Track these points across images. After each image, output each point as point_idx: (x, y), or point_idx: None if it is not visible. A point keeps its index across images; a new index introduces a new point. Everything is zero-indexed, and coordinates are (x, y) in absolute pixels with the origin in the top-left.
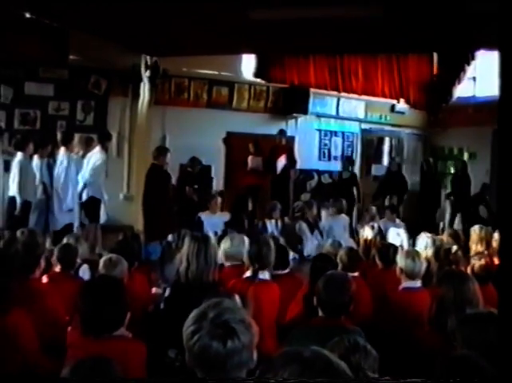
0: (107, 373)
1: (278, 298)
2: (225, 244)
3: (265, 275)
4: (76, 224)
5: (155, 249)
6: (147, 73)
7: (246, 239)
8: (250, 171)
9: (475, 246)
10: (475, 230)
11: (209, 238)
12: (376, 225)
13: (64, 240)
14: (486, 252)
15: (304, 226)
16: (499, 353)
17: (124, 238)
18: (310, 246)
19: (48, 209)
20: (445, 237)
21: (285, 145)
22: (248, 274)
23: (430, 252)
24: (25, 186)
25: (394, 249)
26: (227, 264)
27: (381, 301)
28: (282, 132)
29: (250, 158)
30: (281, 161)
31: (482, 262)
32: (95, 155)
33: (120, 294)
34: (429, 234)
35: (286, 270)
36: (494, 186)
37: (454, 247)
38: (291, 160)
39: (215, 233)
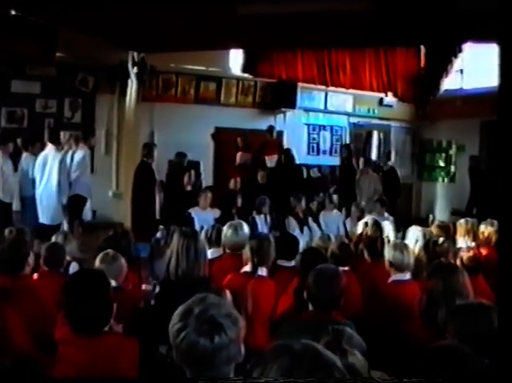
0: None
1: (274, 294)
2: (228, 231)
3: (263, 271)
4: (64, 222)
5: (145, 246)
6: (135, 70)
7: (247, 228)
8: (238, 167)
9: (462, 239)
10: (461, 224)
11: (197, 234)
12: (369, 220)
13: (53, 238)
14: (473, 244)
15: (293, 222)
16: (498, 347)
17: (112, 234)
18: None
19: (36, 206)
20: (434, 229)
21: (275, 141)
22: (247, 268)
23: (420, 245)
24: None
25: (381, 242)
26: (227, 251)
27: (371, 294)
28: (272, 129)
29: (238, 154)
30: (272, 157)
31: (471, 253)
32: (78, 152)
33: (103, 288)
34: (419, 227)
35: (291, 263)
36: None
37: (441, 239)
38: (288, 157)
39: (201, 228)
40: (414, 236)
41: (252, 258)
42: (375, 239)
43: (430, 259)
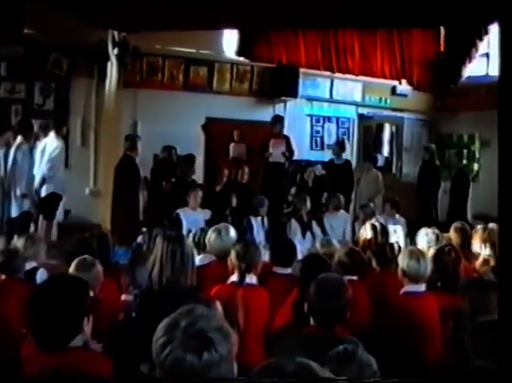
0: None
1: (267, 305)
2: (211, 236)
3: (252, 279)
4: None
5: (127, 251)
6: (115, 51)
7: (234, 232)
8: (232, 161)
9: (478, 249)
10: (477, 231)
11: (183, 237)
12: (377, 223)
13: (16, 241)
14: (490, 254)
15: (296, 225)
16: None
17: (81, 237)
18: (301, 248)
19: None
20: (452, 233)
21: (282, 133)
22: (233, 278)
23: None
24: None
25: (391, 248)
26: (213, 258)
27: (380, 307)
28: (278, 119)
29: (231, 145)
30: (278, 148)
31: (486, 267)
32: (50, 144)
33: (68, 297)
34: (431, 230)
35: (287, 271)
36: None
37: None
38: (289, 151)
39: (189, 231)
40: (424, 240)
41: (238, 265)
42: (384, 245)
43: (436, 269)
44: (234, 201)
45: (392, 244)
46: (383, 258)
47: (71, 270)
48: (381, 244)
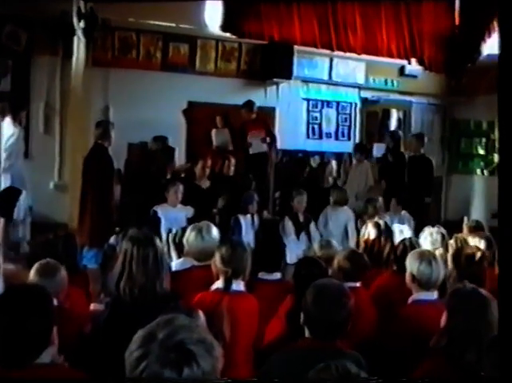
0: None
1: (257, 314)
2: (190, 235)
3: (239, 286)
4: None
5: (96, 254)
6: (82, 24)
7: (216, 231)
8: (216, 151)
9: None
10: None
11: (153, 238)
12: (382, 222)
13: None
14: None
15: (289, 224)
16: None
17: (44, 238)
18: (295, 250)
19: None
20: (466, 232)
21: (258, 118)
22: (218, 284)
23: (440, 252)
24: None
25: (392, 250)
26: (195, 263)
27: (386, 317)
28: (249, 105)
29: (213, 132)
30: (257, 136)
31: None
32: (5, 131)
33: (42, 308)
34: (436, 229)
35: (276, 276)
36: None
37: (479, 254)
38: (269, 136)
39: (169, 230)
40: (428, 240)
41: (224, 270)
42: (392, 247)
43: (460, 277)
44: (221, 198)
45: (403, 242)
46: (394, 261)
47: (31, 275)
48: (385, 244)
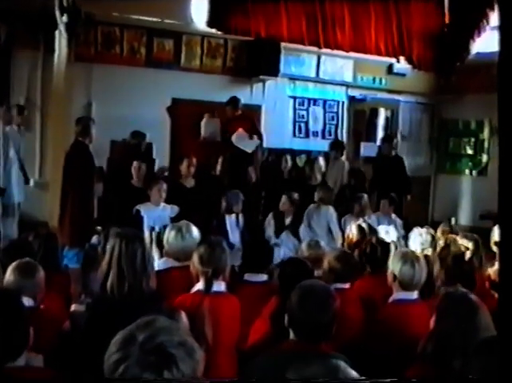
0: None
1: (239, 314)
2: (170, 234)
3: (220, 286)
4: None
5: (77, 253)
6: (64, 18)
7: (197, 231)
8: (203, 143)
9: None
10: (496, 231)
11: (141, 236)
12: (365, 224)
13: None
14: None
15: (273, 223)
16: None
17: (22, 237)
18: (282, 250)
19: None
20: (460, 235)
21: (243, 116)
22: (199, 286)
23: (429, 253)
24: None
25: (383, 249)
26: (175, 264)
27: (369, 317)
28: (234, 102)
29: (203, 121)
30: (242, 135)
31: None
32: None
33: (13, 315)
34: (425, 230)
35: (262, 278)
36: None
37: (468, 253)
38: (255, 133)
39: (152, 229)
40: (417, 241)
41: (203, 270)
42: (375, 246)
43: (448, 278)
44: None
45: (387, 244)
46: (374, 260)
47: (8, 275)
48: (373, 245)
